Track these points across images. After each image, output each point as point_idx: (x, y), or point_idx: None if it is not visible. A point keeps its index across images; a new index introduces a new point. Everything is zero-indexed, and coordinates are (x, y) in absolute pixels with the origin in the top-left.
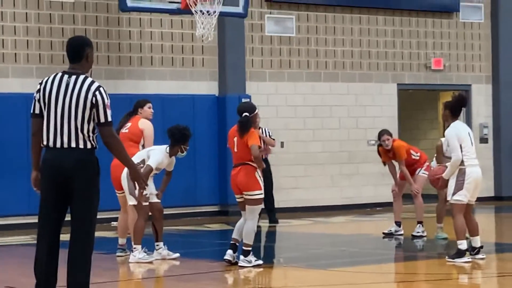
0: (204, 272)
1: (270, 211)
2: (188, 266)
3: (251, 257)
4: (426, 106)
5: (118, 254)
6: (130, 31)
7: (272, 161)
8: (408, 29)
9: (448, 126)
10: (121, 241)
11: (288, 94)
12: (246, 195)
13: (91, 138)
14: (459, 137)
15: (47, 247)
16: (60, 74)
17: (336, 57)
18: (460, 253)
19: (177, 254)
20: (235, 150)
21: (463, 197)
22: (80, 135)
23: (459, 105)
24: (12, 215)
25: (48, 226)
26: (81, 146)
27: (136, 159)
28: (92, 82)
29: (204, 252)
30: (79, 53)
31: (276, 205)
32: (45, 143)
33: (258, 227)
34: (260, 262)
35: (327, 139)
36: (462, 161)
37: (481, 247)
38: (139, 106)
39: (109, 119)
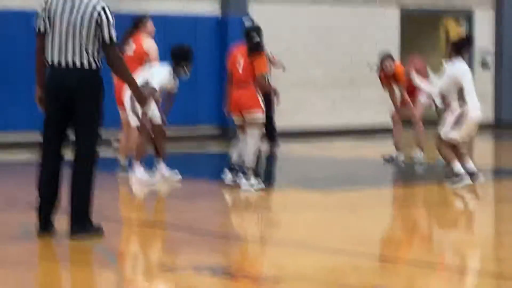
0: (204, 193)
1: (271, 135)
2: (188, 187)
3: (253, 180)
4: (429, 31)
5: (119, 174)
6: None
7: (274, 84)
8: None
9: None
10: (123, 161)
11: (290, 17)
12: (247, 116)
13: (95, 58)
14: (460, 79)
15: (51, 166)
16: None
17: None
18: (458, 176)
19: (179, 176)
20: (240, 71)
21: (457, 136)
22: (85, 54)
23: (464, 45)
24: (12, 131)
25: (52, 145)
26: (86, 65)
27: (139, 80)
28: (97, 1)
29: (204, 174)
30: None
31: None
32: (49, 62)
33: (259, 150)
34: (262, 185)
35: (328, 63)
36: (465, 102)
37: (474, 173)
38: (140, 22)
39: (114, 39)
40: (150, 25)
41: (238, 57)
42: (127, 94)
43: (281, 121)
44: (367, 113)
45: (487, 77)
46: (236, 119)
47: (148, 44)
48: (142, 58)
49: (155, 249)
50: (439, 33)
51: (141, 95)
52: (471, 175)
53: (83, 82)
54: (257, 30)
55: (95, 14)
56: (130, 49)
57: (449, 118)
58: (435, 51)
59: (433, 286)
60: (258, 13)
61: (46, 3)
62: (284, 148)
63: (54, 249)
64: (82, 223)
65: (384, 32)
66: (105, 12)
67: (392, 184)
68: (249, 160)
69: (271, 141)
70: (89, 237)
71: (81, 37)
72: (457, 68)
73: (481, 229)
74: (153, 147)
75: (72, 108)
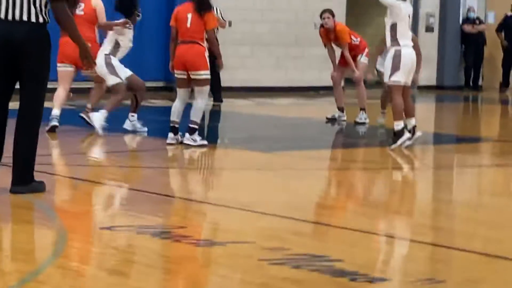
0: (148, 150)
1: (216, 90)
2: (132, 143)
3: (196, 136)
4: None
5: (52, 124)
6: None
7: (219, 41)
8: None
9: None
10: (56, 111)
11: None
12: (194, 75)
13: (43, 12)
14: (398, 12)
15: None
16: None
17: None
18: (398, 133)
19: (145, 129)
20: (188, 26)
21: (400, 77)
22: (32, 8)
23: None
24: None
25: None
26: (33, 19)
27: (107, 45)
28: None
29: (148, 129)
30: None
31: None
32: None
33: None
34: (205, 142)
35: (274, 20)
36: (397, 42)
37: (415, 126)
38: None
39: None
40: None
41: (186, 14)
42: (101, 59)
43: (225, 77)
44: (312, 72)
45: (432, 41)
46: (178, 72)
47: (96, 1)
48: (92, 16)
49: (97, 207)
50: None
51: (88, 52)
52: (412, 131)
53: (31, 36)
54: None
55: None
56: (79, 7)
57: (387, 63)
58: (380, 11)
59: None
60: None
61: None
62: (228, 104)
63: None
64: (24, 178)
65: None
66: None
67: (333, 145)
68: (196, 116)
69: (215, 97)
70: (30, 192)
71: None
72: (400, 5)
73: (417, 195)
74: (133, 96)
75: (19, 63)
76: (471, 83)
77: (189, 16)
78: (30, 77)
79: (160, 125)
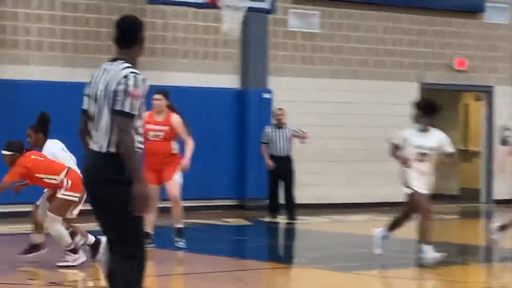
0: (221, 271)
1: (290, 208)
2: (207, 263)
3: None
4: (447, 107)
5: None
6: (154, 22)
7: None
8: (433, 29)
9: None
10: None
11: (309, 90)
12: None
13: None
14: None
15: None
16: None
17: (360, 55)
18: None
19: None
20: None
21: None
22: None
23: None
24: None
25: None
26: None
27: None
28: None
29: (220, 249)
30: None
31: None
32: None
33: (276, 223)
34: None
35: (347, 136)
36: None
37: None
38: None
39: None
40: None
41: None
42: None
43: (297, 193)
44: (385, 187)
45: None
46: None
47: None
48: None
49: None
50: (458, 108)
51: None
52: None
53: None
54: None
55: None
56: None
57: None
58: (454, 127)
59: None
60: (277, 85)
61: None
62: (302, 221)
63: None
64: None
65: (403, 106)
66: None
67: (413, 264)
68: None
69: (290, 214)
70: None
71: None
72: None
73: None
74: None
75: None
76: None
77: None
78: None
79: (233, 245)
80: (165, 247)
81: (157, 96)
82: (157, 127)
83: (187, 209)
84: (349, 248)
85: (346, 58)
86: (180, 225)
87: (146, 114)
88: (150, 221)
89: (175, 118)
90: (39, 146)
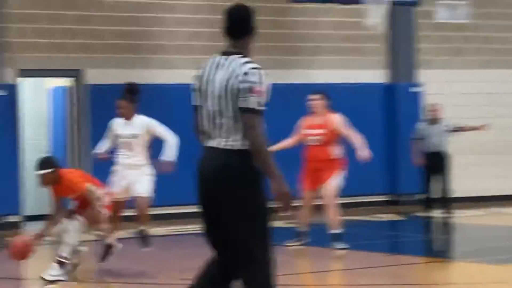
0: (377, 266)
1: (445, 202)
2: (363, 259)
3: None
4: None
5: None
6: (297, 20)
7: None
8: None
9: None
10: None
11: (460, 82)
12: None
13: None
14: None
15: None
16: None
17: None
18: None
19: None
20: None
21: None
22: None
23: None
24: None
25: None
26: None
27: None
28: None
29: (375, 244)
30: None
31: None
32: None
33: (432, 217)
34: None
35: (500, 127)
36: None
37: None
38: None
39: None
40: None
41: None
42: None
43: (453, 187)
44: None
45: None
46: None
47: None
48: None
49: None
50: None
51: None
52: None
53: None
54: None
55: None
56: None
57: None
58: None
59: None
60: (427, 78)
61: None
62: (457, 215)
63: None
64: None
65: None
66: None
67: None
68: None
69: (445, 207)
70: None
71: None
72: None
73: None
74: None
75: None
76: None
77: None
78: None
79: (386, 240)
80: (320, 244)
81: (313, 97)
82: (314, 131)
83: (343, 206)
84: (507, 241)
85: (497, 48)
86: (335, 231)
87: (302, 120)
88: (305, 218)
89: (336, 118)
90: (128, 119)
